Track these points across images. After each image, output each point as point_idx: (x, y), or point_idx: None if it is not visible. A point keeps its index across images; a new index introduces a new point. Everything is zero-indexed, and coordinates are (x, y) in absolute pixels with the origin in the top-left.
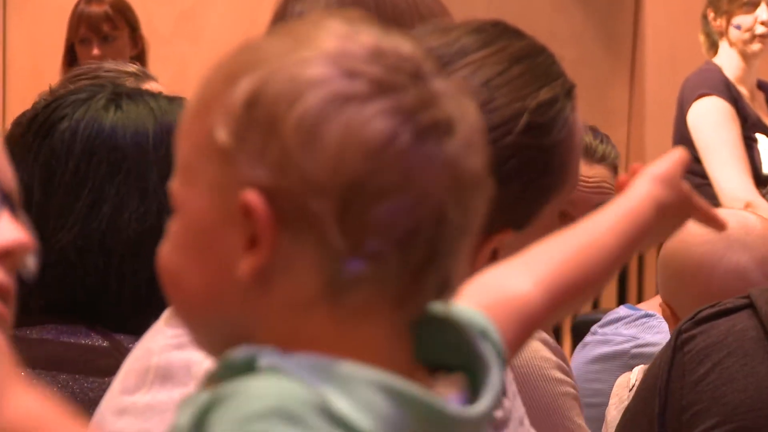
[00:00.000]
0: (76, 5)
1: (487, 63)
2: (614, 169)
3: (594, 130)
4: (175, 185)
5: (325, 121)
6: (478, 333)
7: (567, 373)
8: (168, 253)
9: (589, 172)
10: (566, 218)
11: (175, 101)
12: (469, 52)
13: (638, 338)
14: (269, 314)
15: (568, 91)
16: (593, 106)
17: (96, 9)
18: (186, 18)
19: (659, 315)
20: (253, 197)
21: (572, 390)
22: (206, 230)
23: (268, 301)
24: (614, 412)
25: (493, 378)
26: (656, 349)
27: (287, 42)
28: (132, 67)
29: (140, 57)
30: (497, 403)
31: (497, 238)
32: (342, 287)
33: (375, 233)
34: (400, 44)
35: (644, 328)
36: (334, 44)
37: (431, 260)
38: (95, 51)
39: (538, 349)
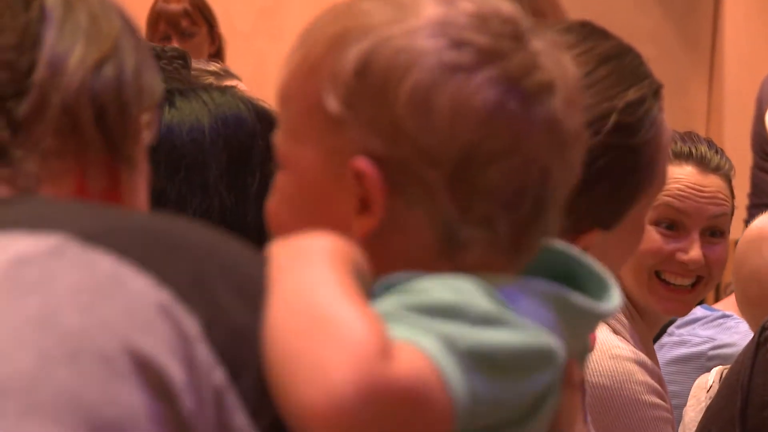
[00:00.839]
0: (154, 3)
1: (576, 63)
2: (728, 180)
3: (709, 141)
4: (282, 141)
5: (435, 92)
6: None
7: (662, 396)
8: (277, 205)
9: (704, 181)
10: (681, 229)
11: (227, 92)
12: None
13: (715, 339)
14: (390, 268)
15: (656, 92)
16: (671, 105)
17: (175, 6)
18: (266, 14)
19: (736, 315)
20: (364, 164)
21: (666, 414)
22: (317, 189)
23: (387, 256)
24: (692, 413)
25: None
26: (734, 350)
27: (390, 9)
28: (214, 66)
29: (218, 54)
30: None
31: (586, 238)
32: (455, 248)
33: (485, 197)
34: (499, 6)
35: (722, 329)
36: (437, 12)
37: (537, 216)
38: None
39: (633, 372)
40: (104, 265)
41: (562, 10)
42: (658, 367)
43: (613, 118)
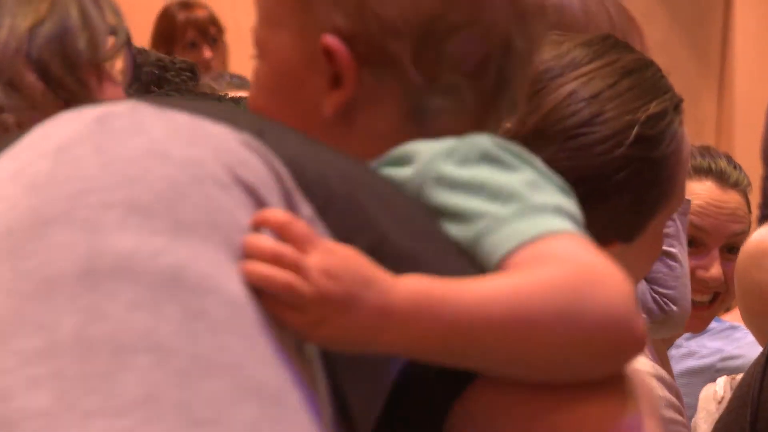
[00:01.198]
0: (171, 14)
1: (598, 76)
2: (746, 196)
3: (727, 157)
4: (258, 31)
5: None
6: None
7: (680, 411)
8: (256, 94)
9: (723, 197)
10: (701, 246)
11: (241, 102)
12: (579, 64)
13: (723, 351)
14: (356, 145)
15: (677, 105)
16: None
17: (202, 13)
18: None
19: (744, 327)
20: (333, 41)
21: (684, 430)
22: (291, 72)
23: (354, 133)
24: (704, 425)
25: None
26: (742, 362)
27: None
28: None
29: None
30: None
31: (606, 250)
32: (423, 117)
33: (449, 66)
34: None
35: (729, 340)
36: None
37: (501, 86)
38: (207, 53)
39: (653, 387)
40: (181, 117)
41: (641, 34)
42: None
43: (634, 131)
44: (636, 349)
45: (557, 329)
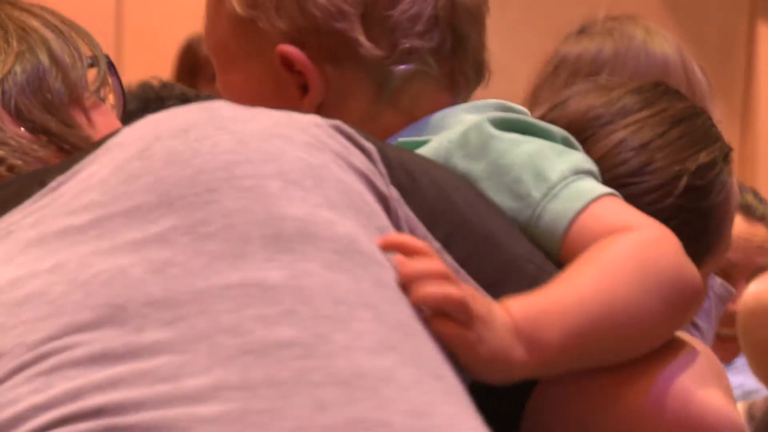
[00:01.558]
0: (193, 48)
1: (648, 124)
2: None
3: (754, 191)
4: (222, 82)
5: None
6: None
7: None
8: None
9: (751, 230)
10: (729, 279)
11: None
12: (630, 112)
13: (745, 385)
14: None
15: (726, 155)
16: None
17: None
18: None
19: None
20: (285, 48)
21: None
22: (265, 96)
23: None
24: None
25: None
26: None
27: None
28: None
29: None
30: None
31: None
32: (395, 89)
33: (401, 32)
34: None
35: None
36: None
37: (460, 45)
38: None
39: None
40: (273, 111)
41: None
42: None
43: (684, 181)
44: (699, 298)
45: (646, 303)
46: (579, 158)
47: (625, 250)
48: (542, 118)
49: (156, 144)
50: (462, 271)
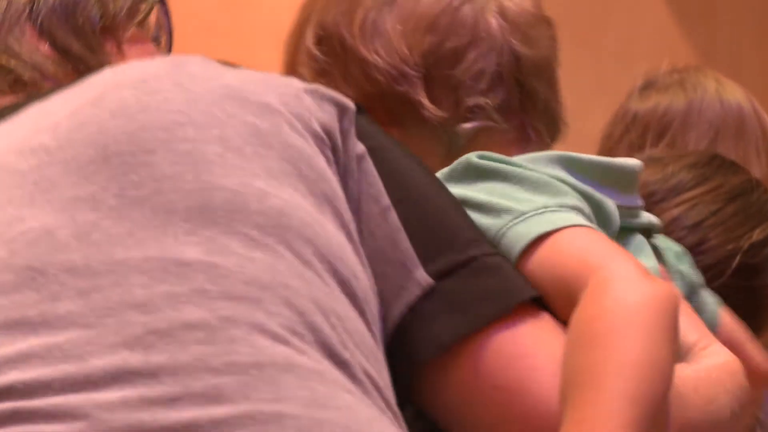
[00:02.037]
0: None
1: (702, 201)
2: None
3: None
4: None
5: (380, 18)
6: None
7: None
8: None
9: None
10: None
11: None
12: (684, 189)
13: None
14: None
15: None
16: None
17: None
18: None
19: None
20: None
21: None
22: None
23: None
24: None
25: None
26: None
27: None
28: None
29: None
30: None
31: None
32: (462, 147)
33: (465, 91)
34: None
35: None
36: None
37: (528, 97)
38: None
39: None
40: (249, 70)
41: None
42: None
43: (737, 260)
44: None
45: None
46: (571, 198)
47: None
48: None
49: (111, 92)
50: (402, 231)
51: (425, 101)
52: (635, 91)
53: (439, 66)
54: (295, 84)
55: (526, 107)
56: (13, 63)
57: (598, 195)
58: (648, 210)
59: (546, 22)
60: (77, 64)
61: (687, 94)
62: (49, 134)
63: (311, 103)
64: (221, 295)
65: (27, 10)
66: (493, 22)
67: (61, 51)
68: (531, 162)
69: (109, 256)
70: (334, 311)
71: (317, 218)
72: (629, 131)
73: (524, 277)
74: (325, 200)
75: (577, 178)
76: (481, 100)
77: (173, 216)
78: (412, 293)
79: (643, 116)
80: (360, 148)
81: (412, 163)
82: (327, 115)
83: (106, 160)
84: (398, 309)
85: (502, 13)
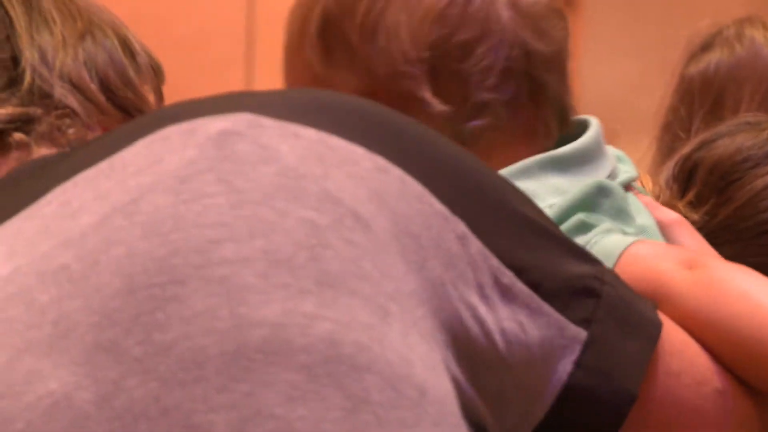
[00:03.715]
0: None
1: None
2: None
3: None
4: None
5: (384, 11)
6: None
7: None
8: None
9: None
10: None
11: None
12: None
13: None
14: None
15: None
16: None
17: None
18: None
19: None
20: None
21: None
22: None
23: None
24: None
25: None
26: None
27: None
28: None
29: None
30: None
31: None
32: (468, 144)
33: (473, 86)
34: None
35: None
36: None
37: (539, 93)
38: None
39: None
40: (307, 133)
41: None
42: None
43: None
44: None
45: None
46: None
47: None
48: (687, 158)
49: (146, 198)
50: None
51: (429, 97)
52: (686, 54)
53: (447, 60)
54: (363, 157)
55: (536, 102)
56: (75, 97)
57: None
58: (740, 177)
59: (559, 13)
60: (133, 113)
61: (734, 49)
62: (73, 252)
63: (384, 187)
64: None
65: (79, 50)
66: (505, 14)
67: (117, 97)
68: (524, 174)
69: None
70: None
71: (376, 332)
72: (684, 98)
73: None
74: (389, 299)
75: (568, 173)
76: (490, 96)
77: (204, 368)
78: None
79: (694, 79)
80: (460, 229)
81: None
82: (400, 206)
83: (132, 293)
84: (564, 368)
85: (514, 4)
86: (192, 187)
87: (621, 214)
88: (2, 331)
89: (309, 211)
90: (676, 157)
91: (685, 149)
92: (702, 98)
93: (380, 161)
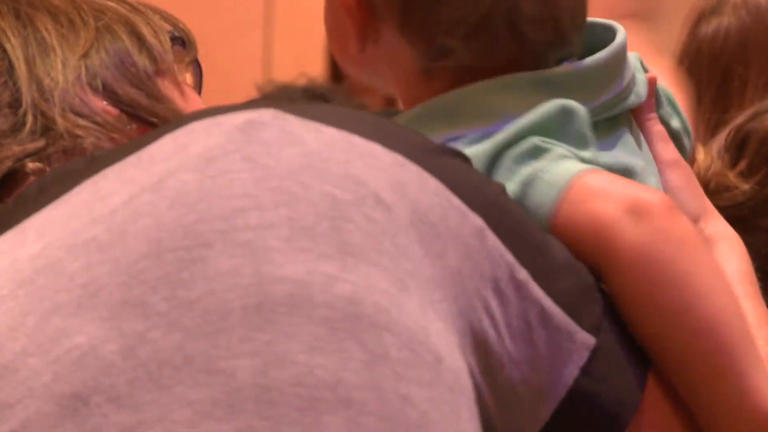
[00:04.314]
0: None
1: None
2: None
3: None
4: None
5: None
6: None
7: None
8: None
9: None
10: None
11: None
12: None
13: None
14: (397, 84)
15: None
16: None
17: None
18: None
19: None
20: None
21: None
22: (338, 19)
23: (390, 77)
24: None
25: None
26: None
27: None
28: None
29: None
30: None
31: None
32: (435, 71)
33: (443, 31)
34: None
35: None
36: None
37: (517, 41)
38: None
39: None
40: (330, 130)
41: None
42: None
43: None
44: None
45: None
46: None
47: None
48: (740, 128)
49: (173, 176)
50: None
51: (396, 29)
52: (695, 13)
53: (417, 2)
54: (383, 154)
55: (512, 48)
56: (80, 125)
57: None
58: None
59: None
60: (148, 117)
61: (739, 14)
62: (103, 225)
63: (401, 178)
64: (273, 428)
65: (82, 70)
66: None
67: (128, 106)
68: (509, 90)
69: (155, 382)
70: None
71: (395, 299)
72: (693, 68)
73: None
74: (407, 276)
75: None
76: (455, 43)
77: (227, 319)
78: (582, 356)
79: (702, 46)
80: (478, 222)
81: (529, 232)
82: (417, 195)
83: (159, 256)
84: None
85: None
86: (218, 165)
87: (582, 141)
88: (31, 299)
89: (332, 187)
90: (729, 128)
91: (738, 120)
92: (710, 74)
93: (399, 158)
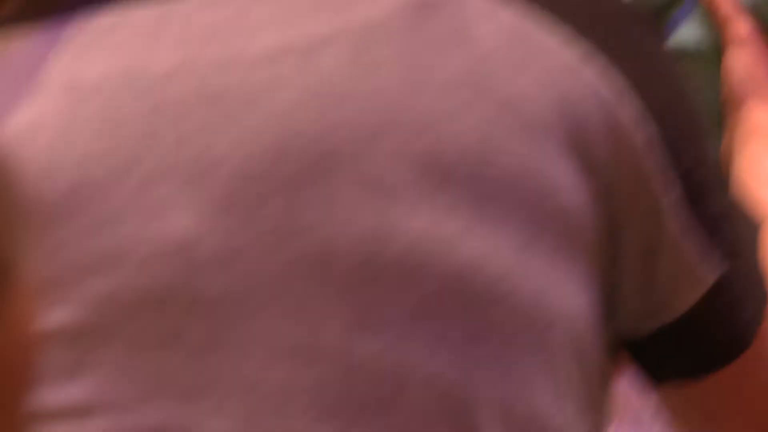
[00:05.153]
0: None
1: None
2: None
3: None
4: None
5: None
6: None
7: None
8: None
9: None
10: None
11: None
12: None
13: None
14: None
15: None
16: None
17: None
18: None
19: None
20: None
21: None
22: None
23: None
24: None
25: None
26: None
27: None
28: None
29: None
30: None
31: None
32: None
33: None
34: None
35: None
36: None
37: None
38: None
39: None
40: (511, 21)
41: None
42: None
43: None
44: None
45: None
46: None
47: None
48: None
49: (330, 43)
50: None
51: None
52: None
53: None
54: (564, 54)
55: None
56: None
57: None
58: None
59: None
60: None
61: None
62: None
63: (577, 90)
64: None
65: None
66: None
67: None
68: None
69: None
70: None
71: (515, 264)
72: None
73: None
74: (547, 217)
75: None
76: None
77: (329, 286)
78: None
79: None
80: (642, 135)
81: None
82: (589, 112)
83: (281, 159)
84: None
85: None
86: (372, 54)
87: None
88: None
89: (489, 110)
90: None
91: None
92: None
93: (576, 53)
